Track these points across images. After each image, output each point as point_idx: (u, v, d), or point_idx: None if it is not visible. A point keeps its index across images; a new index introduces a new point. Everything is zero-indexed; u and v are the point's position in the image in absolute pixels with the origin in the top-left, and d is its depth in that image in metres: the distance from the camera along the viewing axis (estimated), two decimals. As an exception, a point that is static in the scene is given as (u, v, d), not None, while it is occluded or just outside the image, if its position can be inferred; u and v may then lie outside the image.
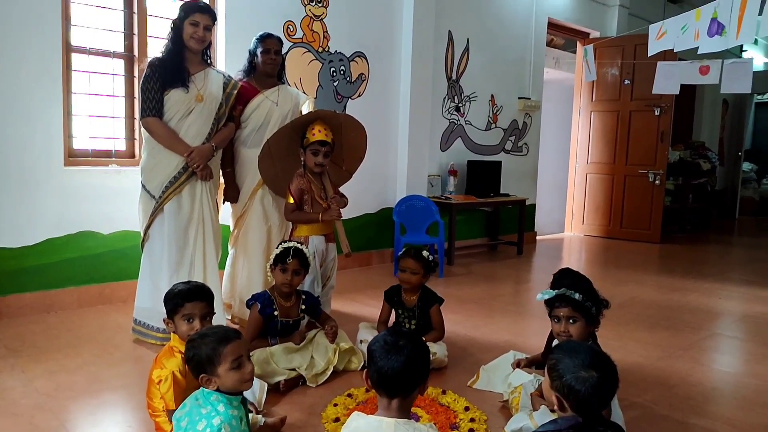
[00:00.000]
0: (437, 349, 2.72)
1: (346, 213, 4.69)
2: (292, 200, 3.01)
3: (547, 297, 2.14)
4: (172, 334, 2.03)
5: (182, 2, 3.13)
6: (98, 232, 3.62)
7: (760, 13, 2.99)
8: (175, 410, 1.86)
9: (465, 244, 5.87)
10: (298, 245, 2.69)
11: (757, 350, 3.27)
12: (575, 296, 2.06)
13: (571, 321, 2.09)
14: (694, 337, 3.46)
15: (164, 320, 2.05)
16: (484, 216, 6.25)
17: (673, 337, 3.44)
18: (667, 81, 4.93)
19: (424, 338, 2.59)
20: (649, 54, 4.12)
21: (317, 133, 2.95)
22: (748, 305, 4.28)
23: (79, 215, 3.54)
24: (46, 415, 2.18)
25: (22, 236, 3.36)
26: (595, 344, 2.11)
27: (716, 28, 3.29)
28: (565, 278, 2.34)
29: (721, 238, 8.16)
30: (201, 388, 1.72)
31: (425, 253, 2.86)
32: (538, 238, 7.02)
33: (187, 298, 2.00)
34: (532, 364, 2.58)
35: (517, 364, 2.61)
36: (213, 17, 3.03)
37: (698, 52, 3.65)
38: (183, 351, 1.91)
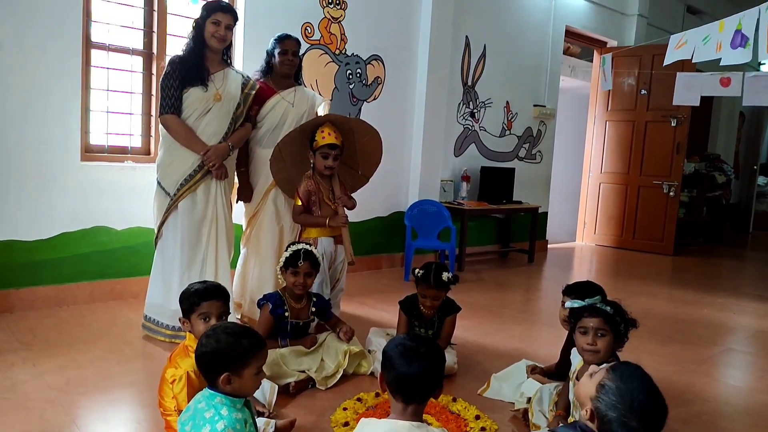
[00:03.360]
0: (447, 357, 2.69)
1: (357, 216, 4.73)
2: (299, 202, 3.01)
3: (577, 305, 2.05)
4: (187, 333, 2.02)
5: (205, 1, 3.14)
6: (112, 227, 3.63)
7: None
8: (187, 410, 1.86)
9: (476, 251, 5.85)
10: (308, 247, 2.68)
11: (771, 367, 3.22)
12: (606, 309, 1.99)
13: (600, 334, 1.97)
14: (708, 352, 3.41)
15: (180, 319, 2.04)
16: (496, 223, 6.22)
17: (687, 351, 3.39)
18: (687, 92, 4.88)
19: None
20: (665, 63, 4.09)
21: (327, 137, 2.95)
22: (762, 321, 4.22)
23: (93, 210, 3.55)
24: (57, 410, 2.19)
25: (37, 230, 3.38)
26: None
27: (740, 40, 3.25)
28: (592, 291, 2.26)
29: (734, 252, 8.07)
30: (205, 390, 1.68)
31: (446, 275, 2.70)
32: (549, 246, 6.98)
33: (204, 297, 1.99)
34: (545, 374, 2.55)
35: (532, 370, 2.58)
36: (234, 17, 3.04)
37: (720, 64, 3.61)
38: None
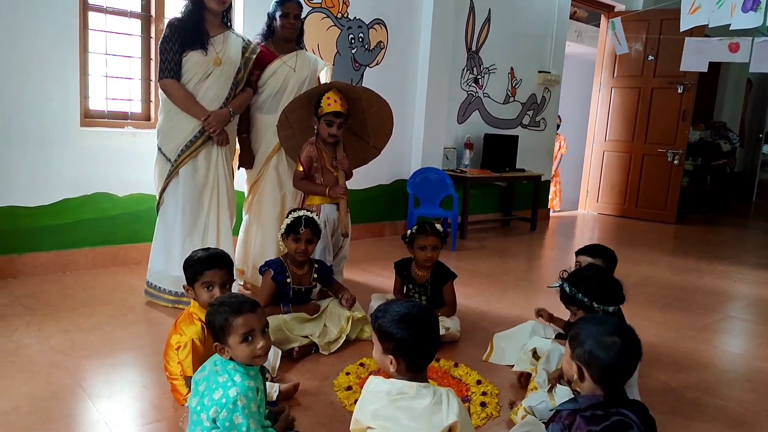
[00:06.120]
0: (450, 324, 2.72)
1: (360, 183, 4.72)
2: (301, 168, 3.00)
3: (555, 287, 2.10)
4: (192, 300, 2.03)
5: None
6: (113, 194, 3.62)
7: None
8: (192, 376, 1.88)
9: (478, 219, 5.84)
10: (309, 213, 2.67)
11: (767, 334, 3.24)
12: (578, 296, 2.00)
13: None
14: (707, 319, 3.43)
15: (183, 287, 2.05)
16: (499, 191, 6.20)
17: (687, 318, 3.41)
18: (696, 58, 4.81)
19: (438, 313, 2.60)
20: (682, 29, 4.00)
21: (332, 104, 2.92)
22: (762, 289, 4.24)
23: (94, 176, 3.54)
24: (62, 373, 2.21)
25: (39, 196, 3.37)
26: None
27: (752, 3, 3.17)
28: (602, 253, 2.48)
29: (737, 221, 8.05)
30: None
31: (438, 226, 2.84)
32: (551, 214, 6.97)
33: (207, 266, 1.99)
34: (554, 321, 2.55)
35: (539, 311, 2.56)
36: (234, -22, 2.97)
37: (730, 28, 3.54)
38: (202, 318, 1.92)
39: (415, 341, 1.49)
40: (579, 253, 2.57)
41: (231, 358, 1.67)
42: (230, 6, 3.07)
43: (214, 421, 1.60)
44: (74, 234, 3.50)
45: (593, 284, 2.00)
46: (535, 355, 2.32)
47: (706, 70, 5.06)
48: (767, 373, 2.67)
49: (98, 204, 3.57)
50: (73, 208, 3.49)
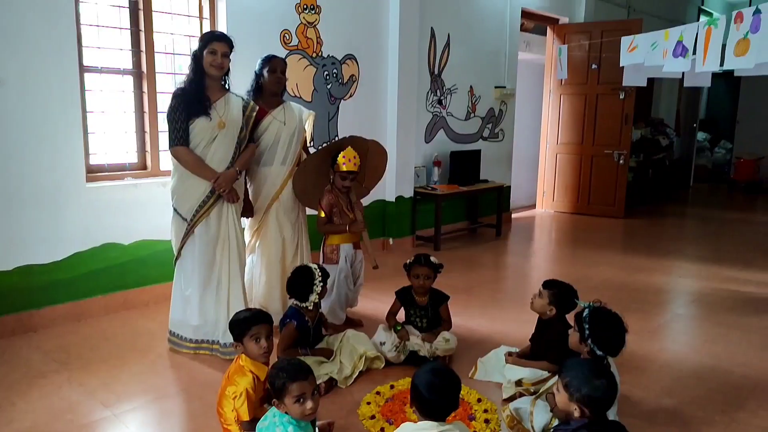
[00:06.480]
0: (450, 338, 3.18)
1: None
2: (323, 214, 3.48)
3: (581, 305, 2.53)
4: (242, 354, 2.37)
5: (201, 34, 3.31)
6: (119, 242, 3.86)
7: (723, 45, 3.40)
8: (247, 421, 2.25)
9: (448, 229, 6.27)
10: (314, 267, 3.03)
11: (712, 330, 3.79)
12: (587, 335, 2.39)
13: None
14: (659, 320, 3.97)
15: (233, 344, 2.39)
16: (465, 201, 6.65)
17: (643, 320, 3.93)
18: (635, 75, 5.30)
19: (437, 330, 3.16)
20: (621, 64, 4.50)
21: (347, 163, 3.41)
22: (702, 283, 4.83)
23: (101, 228, 3.76)
24: (118, 427, 2.50)
25: (52, 252, 3.58)
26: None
27: (681, 50, 3.68)
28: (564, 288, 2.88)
29: (677, 210, 8.80)
30: None
31: (433, 258, 3.24)
32: (512, 216, 7.49)
33: (254, 322, 2.35)
34: (522, 356, 3.01)
35: (508, 355, 3.03)
36: (230, 44, 3.21)
37: (663, 70, 4.07)
38: (252, 370, 2.31)
39: (434, 403, 1.92)
40: (544, 287, 2.93)
41: (286, 412, 2.03)
42: (228, 70, 3.33)
43: (273, 463, 1.96)
44: (86, 284, 3.73)
45: (609, 335, 2.37)
46: (519, 383, 2.78)
47: (645, 85, 5.60)
48: (713, 370, 3.19)
49: (106, 254, 3.80)
50: (84, 261, 3.71)
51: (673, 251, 5.98)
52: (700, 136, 12.02)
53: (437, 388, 1.91)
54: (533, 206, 8.36)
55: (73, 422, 2.54)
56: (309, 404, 1.98)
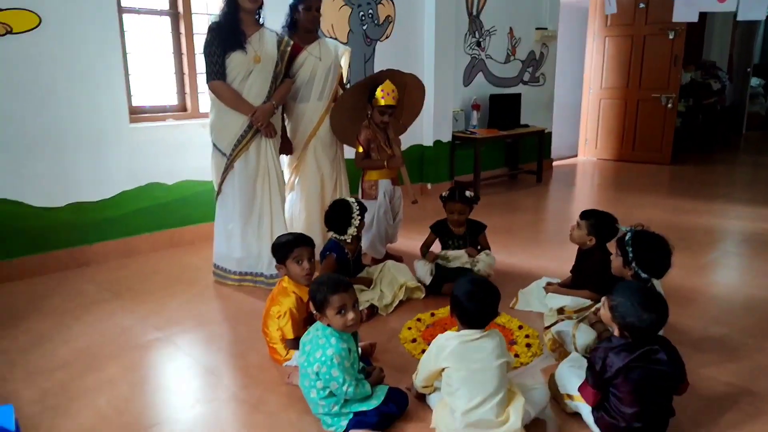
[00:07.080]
0: (490, 254, 3.24)
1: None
2: (361, 149, 3.44)
3: (623, 230, 2.51)
4: (285, 276, 2.42)
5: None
6: (163, 182, 3.95)
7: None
8: (292, 339, 2.30)
9: (487, 175, 6.19)
10: (351, 200, 3.04)
11: (763, 266, 3.67)
12: (630, 257, 2.37)
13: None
14: (709, 257, 3.86)
15: (276, 266, 2.44)
16: (505, 146, 6.53)
17: (690, 258, 3.82)
18: (686, 9, 5.07)
19: (478, 250, 3.22)
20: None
21: (386, 97, 3.33)
22: (754, 224, 4.65)
23: (145, 168, 3.86)
24: (170, 348, 2.61)
25: (100, 190, 3.70)
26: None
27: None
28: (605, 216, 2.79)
29: (728, 157, 8.44)
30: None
31: (468, 193, 3.21)
32: (553, 164, 7.33)
33: (296, 244, 2.40)
34: (563, 286, 2.98)
35: (548, 285, 3.01)
36: (265, -23, 3.19)
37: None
38: (295, 291, 2.34)
39: (474, 311, 1.94)
40: (582, 217, 2.87)
41: (328, 325, 2.07)
42: (262, 4, 3.29)
43: (317, 374, 2.00)
44: (134, 222, 3.85)
45: (654, 257, 2.34)
46: (560, 311, 2.75)
47: (696, 20, 5.32)
48: (764, 300, 3.10)
49: (151, 193, 3.90)
50: (131, 199, 3.82)
51: (723, 195, 5.76)
52: (754, 81, 11.39)
53: (477, 296, 1.92)
54: (574, 156, 8.14)
55: (128, 342, 2.66)
56: (351, 315, 2.01)
